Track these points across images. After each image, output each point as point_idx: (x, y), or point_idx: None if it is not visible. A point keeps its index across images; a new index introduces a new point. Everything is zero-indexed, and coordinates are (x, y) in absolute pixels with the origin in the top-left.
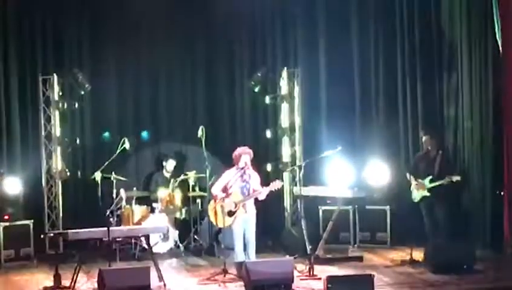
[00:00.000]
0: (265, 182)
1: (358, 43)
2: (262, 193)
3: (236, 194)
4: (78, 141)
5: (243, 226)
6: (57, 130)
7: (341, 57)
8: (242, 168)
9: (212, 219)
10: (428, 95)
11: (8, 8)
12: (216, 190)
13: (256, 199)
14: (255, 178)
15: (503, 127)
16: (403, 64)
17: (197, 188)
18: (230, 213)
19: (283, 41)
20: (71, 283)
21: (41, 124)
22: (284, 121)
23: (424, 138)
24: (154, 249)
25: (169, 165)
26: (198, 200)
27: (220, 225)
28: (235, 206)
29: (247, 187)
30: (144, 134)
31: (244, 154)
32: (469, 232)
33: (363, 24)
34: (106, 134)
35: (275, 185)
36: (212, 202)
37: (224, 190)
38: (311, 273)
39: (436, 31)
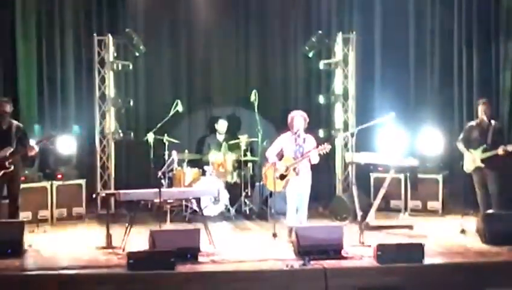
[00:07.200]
0: None
1: (415, 8)
2: (313, 156)
3: (288, 157)
4: (131, 102)
5: (296, 190)
6: (111, 91)
7: (397, 23)
8: (295, 132)
9: (265, 182)
10: (484, 63)
11: None
12: (270, 153)
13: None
14: (310, 142)
15: None
16: (459, 32)
17: (248, 152)
18: (282, 177)
19: (338, 6)
20: (122, 243)
21: (95, 84)
22: (338, 87)
23: (480, 107)
24: (205, 212)
25: (221, 125)
26: (250, 164)
27: (272, 189)
28: (286, 170)
29: (301, 151)
30: (76, 128)
31: (297, 118)
32: None
33: None
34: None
35: (323, 148)
36: (265, 165)
37: (279, 153)
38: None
39: None
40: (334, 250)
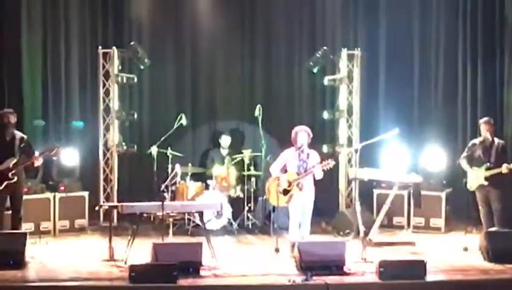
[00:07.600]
0: None
1: (419, 24)
2: (317, 172)
3: (291, 172)
4: (135, 115)
5: (300, 205)
6: (115, 104)
7: (401, 39)
8: (299, 148)
9: (268, 197)
10: (489, 80)
11: None
12: (274, 168)
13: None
14: (313, 157)
15: None
16: (464, 48)
17: (252, 167)
18: (285, 192)
19: (343, 22)
20: (124, 255)
21: (100, 97)
22: (342, 102)
23: (483, 125)
24: (207, 226)
25: (224, 141)
26: (253, 179)
27: (276, 204)
28: (289, 185)
29: (304, 166)
30: (79, 124)
31: (301, 132)
32: None
33: (425, 4)
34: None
35: (327, 163)
36: (268, 180)
37: (283, 169)
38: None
39: (499, 15)
40: (337, 266)
